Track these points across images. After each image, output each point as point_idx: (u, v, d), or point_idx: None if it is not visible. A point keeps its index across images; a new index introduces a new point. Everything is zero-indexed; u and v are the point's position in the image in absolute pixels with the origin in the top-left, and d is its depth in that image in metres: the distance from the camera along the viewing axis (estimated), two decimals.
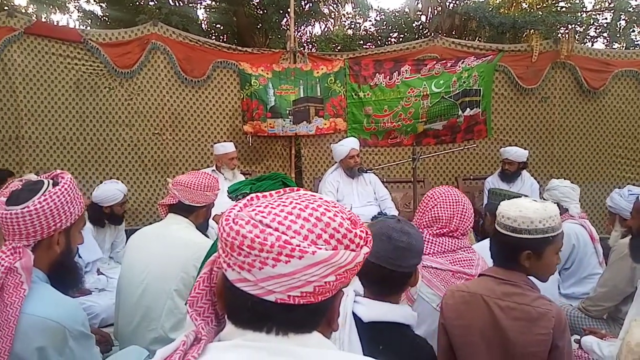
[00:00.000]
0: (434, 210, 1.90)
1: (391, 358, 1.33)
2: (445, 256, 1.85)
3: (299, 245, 0.66)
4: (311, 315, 0.71)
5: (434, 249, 1.85)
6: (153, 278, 2.11)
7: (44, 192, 1.39)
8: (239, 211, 0.71)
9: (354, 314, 1.40)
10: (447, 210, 1.89)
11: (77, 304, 1.47)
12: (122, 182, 4.04)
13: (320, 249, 0.67)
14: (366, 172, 4.28)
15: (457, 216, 1.89)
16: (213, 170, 4.47)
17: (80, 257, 3.32)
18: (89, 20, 8.18)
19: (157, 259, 2.13)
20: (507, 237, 1.55)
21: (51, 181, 1.44)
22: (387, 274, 1.38)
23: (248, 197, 0.74)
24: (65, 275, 1.49)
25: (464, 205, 1.91)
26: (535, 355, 1.47)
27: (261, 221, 0.67)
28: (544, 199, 3.16)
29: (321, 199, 0.74)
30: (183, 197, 2.21)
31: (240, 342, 0.69)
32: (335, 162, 4.44)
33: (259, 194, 0.75)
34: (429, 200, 1.95)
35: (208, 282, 0.78)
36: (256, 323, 0.69)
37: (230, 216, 0.70)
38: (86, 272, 3.32)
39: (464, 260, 1.84)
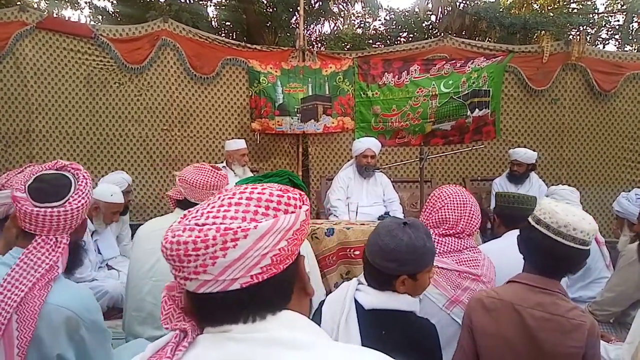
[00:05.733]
0: (441, 212, 1.87)
1: (393, 343, 1.34)
2: (451, 256, 1.83)
3: (239, 227, 0.66)
4: (280, 288, 0.72)
5: (439, 249, 1.83)
6: (160, 274, 2.12)
7: (76, 188, 1.47)
8: (174, 226, 0.71)
9: (355, 301, 1.44)
10: (455, 212, 1.86)
11: (92, 295, 1.54)
12: (130, 176, 4.06)
13: (260, 222, 0.68)
14: (374, 171, 4.29)
15: (464, 218, 1.86)
16: (224, 166, 4.48)
17: (100, 253, 3.37)
18: (100, 16, 8.24)
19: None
20: (552, 241, 1.46)
21: (71, 175, 1.51)
22: (374, 271, 1.45)
23: (181, 215, 0.74)
24: (72, 257, 1.55)
25: (471, 207, 1.88)
26: None
27: (196, 224, 0.68)
28: None
29: (249, 185, 0.75)
30: (189, 195, 2.17)
31: (225, 336, 0.69)
32: (351, 159, 4.50)
33: (191, 209, 0.75)
34: (435, 201, 1.92)
35: (172, 301, 0.77)
36: (231, 317, 0.70)
37: (167, 234, 0.70)
38: (100, 268, 3.36)
39: (470, 260, 1.83)
